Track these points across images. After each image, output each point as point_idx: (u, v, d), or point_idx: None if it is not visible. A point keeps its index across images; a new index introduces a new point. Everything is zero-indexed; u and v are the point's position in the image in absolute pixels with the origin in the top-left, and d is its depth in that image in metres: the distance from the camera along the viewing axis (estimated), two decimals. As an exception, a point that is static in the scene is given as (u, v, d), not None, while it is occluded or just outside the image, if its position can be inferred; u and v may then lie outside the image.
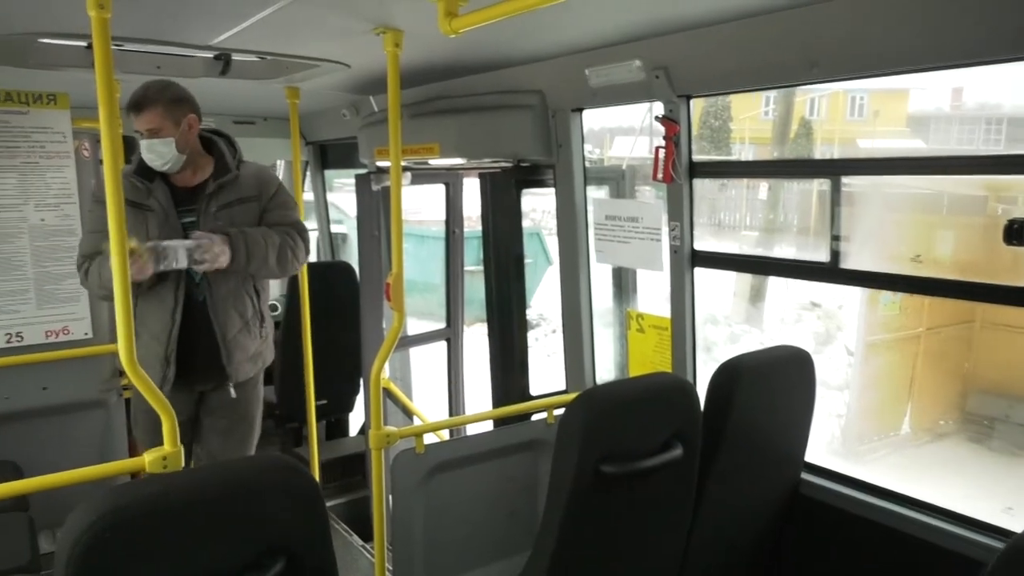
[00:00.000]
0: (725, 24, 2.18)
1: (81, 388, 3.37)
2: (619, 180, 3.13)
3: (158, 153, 2.71)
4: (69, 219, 3.36)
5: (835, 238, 2.18)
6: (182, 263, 2.62)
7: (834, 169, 2.21)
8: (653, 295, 3.16)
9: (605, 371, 3.14)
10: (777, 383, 2.17)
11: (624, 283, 3.18)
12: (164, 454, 2.03)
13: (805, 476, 2.38)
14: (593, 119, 2.85)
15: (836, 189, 2.13)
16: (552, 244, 11.76)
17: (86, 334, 3.41)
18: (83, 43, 2.56)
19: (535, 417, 2.97)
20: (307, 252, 2.92)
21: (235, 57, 2.89)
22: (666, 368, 2.60)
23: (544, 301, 10.60)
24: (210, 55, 2.85)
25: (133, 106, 2.68)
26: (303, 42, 2.61)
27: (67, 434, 3.41)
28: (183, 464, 2.08)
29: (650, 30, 2.33)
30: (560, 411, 2.84)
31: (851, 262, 2.17)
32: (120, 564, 1.14)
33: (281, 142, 4.48)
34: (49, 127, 3.30)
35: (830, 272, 2.17)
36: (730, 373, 2.07)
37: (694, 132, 2.46)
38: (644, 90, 2.43)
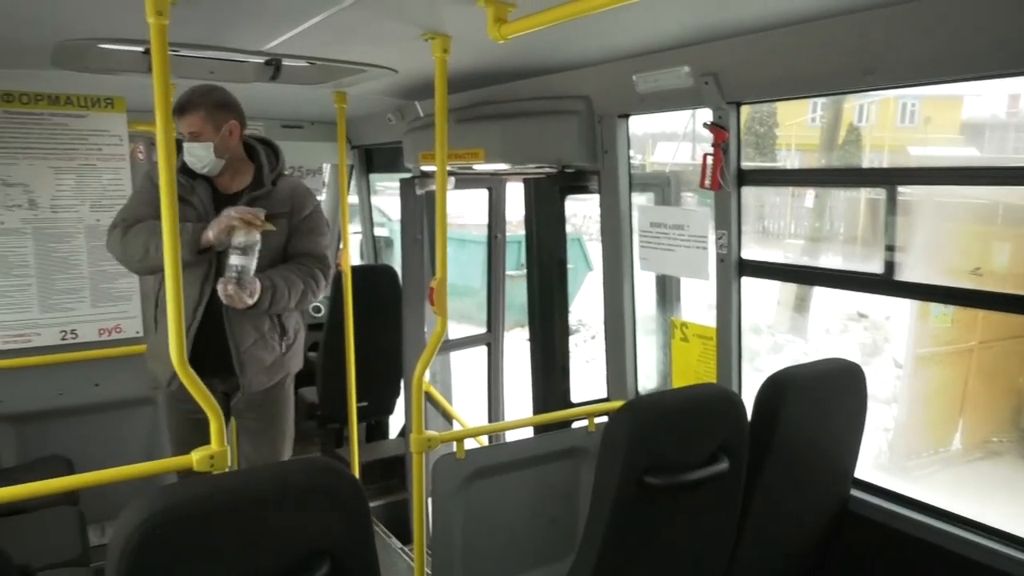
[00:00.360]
0: (777, 30, 2.14)
1: (131, 385, 3.45)
2: (664, 187, 3.09)
3: (197, 156, 2.74)
4: (123, 221, 3.45)
5: (889, 248, 2.12)
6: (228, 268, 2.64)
7: (891, 178, 2.15)
8: (693, 303, 3.12)
9: (647, 379, 3.11)
10: (827, 396, 2.12)
11: (668, 291, 3.14)
12: (211, 453, 2.07)
13: (854, 492, 2.32)
14: (635, 124, 2.82)
15: (892, 199, 2.08)
16: (593, 250, 11.71)
17: (137, 332, 3.49)
18: (140, 48, 2.63)
19: (576, 424, 2.96)
20: (327, 285, 2.93)
21: (285, 62, 2.93)
22: (710, 379, 2.56)
23: (584, 307, 10.56)
24: (261, 60, 2.90)
25: (178, 109, 2.72)
26: (352, 48, 2.63)
27: (116, 430, 3.50)
28: (228, 464, 2.11)
29: (700, 36, 2.30)
30: (601, 419, 2.83)
31: (906, 274, 2.11)
32: (169, 562, 1.15)
33: (327, 146, 4.54)
34: (106, 130, 3.40)
35: (885, 284, 2.10)
36: (779, 385, 2.02)
37: (739, 138, 2.42)
38: (693, 96, 2.40)
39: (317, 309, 5.15)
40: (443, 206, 2.45)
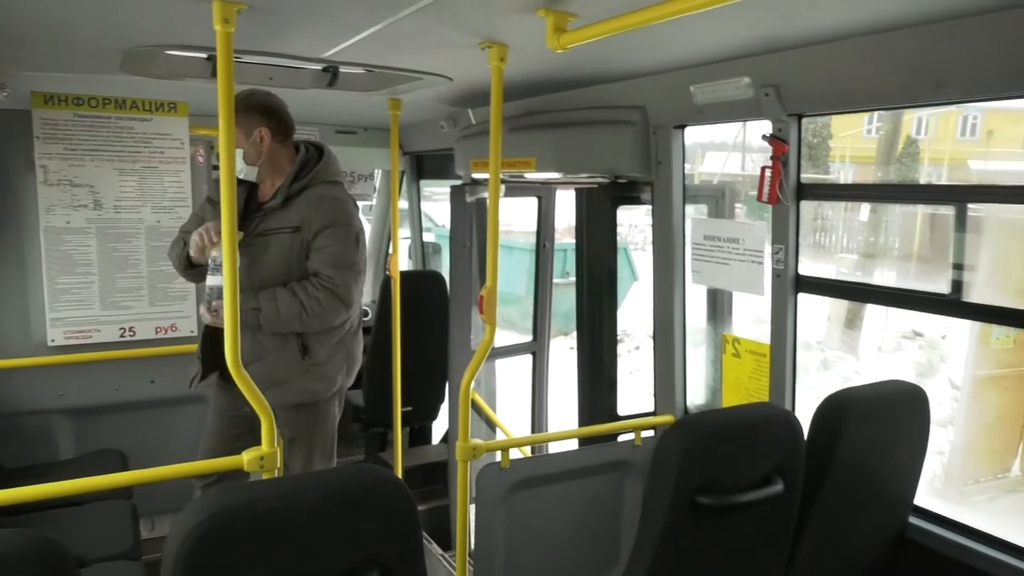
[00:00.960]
0: (843, 41, 2.09)
1: (184, 383, 3.52)
2: (718, 199, 3.04)
3: (238, 165, 2.69)
4: (182, 221, 3.53)
5: (957, 267, 2.04)
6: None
7: (961, 195, 2.07)
8: (738, 316, 3.06)
9: (695, 394, 3.05)
10: (888, 420, 2.05)
11: (719, 305, 3.08)
12: (261, 454, 2.10)
13: (913, 520, 2.24)
14: (686, 134, 2.78)
15: (961, 217, 2.00)
16: (638, 259, 11.60)
17: (192, 331, 3.57)
18: (203, 54, 2.69)
19: (622, 438, 2.92)
20: (340, 306, 2.72)
21: (342, 69, 2.97)
22: (762, 396, 2.50)
23: (628, 317, 10.47)
24: (319, 67, 2.94)
25: None
26: (408, 55, 2.65)
27: (169, 426, 3.58)
28: (277, 465, 2.13)
29: (761, 47, 2.26)
30: (648, 433, 2.79)
31: (973, 294, 2.03)
32: (223, 564, 1.17)
33: (380, 151, 4.59)
34: (168, 134, 3.49)
35: (952, 305, 2.02)
36: (838, 406, 1.96)
37: (788, 148, 2.35)
38: (752, 108, 2.36)
39: (365, 313, 5.21)
40: (495, 215, 2.45)
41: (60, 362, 3.39)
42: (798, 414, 2.32)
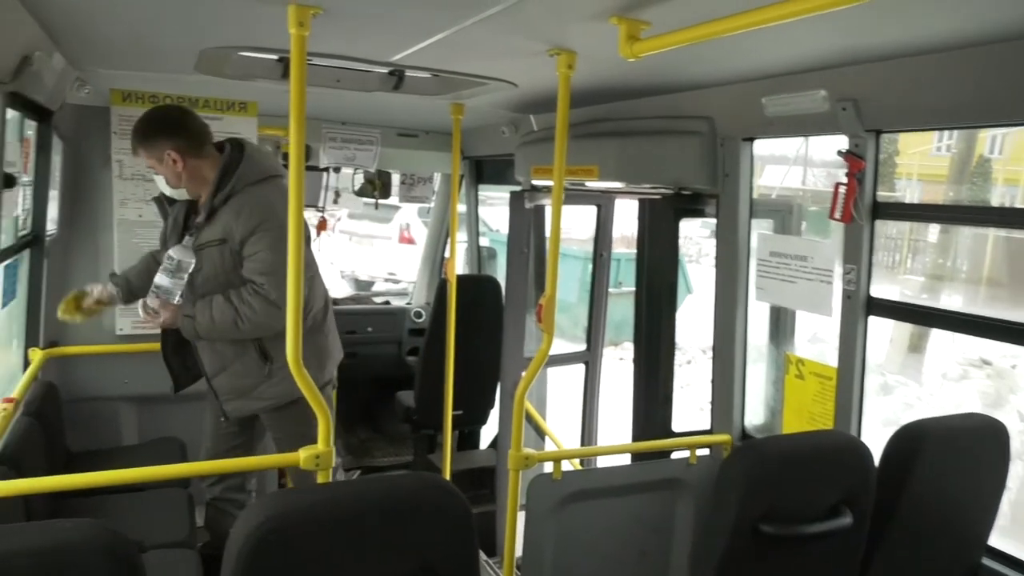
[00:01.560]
0: (926, 56, 2.00)
1: None
2: (785, 214, 2.95)
3: (162, 187, 2.78)
4: (249, 219, 3.60)
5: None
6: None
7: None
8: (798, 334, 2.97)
9: (754, 414, 2.97)
10: (965, 455, 1.94)
11: (782, 323, 3.00)
12: (317, 452, 2.11)
13: (986, 561, 2.12)
14: (753, 147, 2.72)
15: (1052, 243, 1.89)
16: (693, 272, 11.42)
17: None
18: (274, 56, 2.74)
19: (676, 455, 2.86)
20: (276, 315, 2.57)
21: (408, 73, 2.99)
22: (827, 421, 2.41)
23: (680, 330, 10.30)
24: (386, 71, 2.96)
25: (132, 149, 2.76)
26: (474, 61, 2.65)
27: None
28: (332, 463, 2.15)
29: (839, 59, 2.18)
30: (703, 452, 2.73)
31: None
32: (281, 566, 1.17)
33: (440, 155, 4.61)
34: (238, 133, 3.56)
35: (1037, 336, 1.92)
36: (912, 438, 1.87)
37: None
38: (828, 122, 2.28)
39: (418, 315, 5.24)
40: (558, 223, 2.43)
41: (127, 351, 3.49)
42: (863, 439, 2.24)
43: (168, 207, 2.85)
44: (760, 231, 2.75)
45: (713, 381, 2.86)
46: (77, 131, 3.44)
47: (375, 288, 12.98)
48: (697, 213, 3.10)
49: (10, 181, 2.44)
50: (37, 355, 3.13)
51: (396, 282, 10.87)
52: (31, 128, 3.05)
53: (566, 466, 2.70)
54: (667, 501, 2.65)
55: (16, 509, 2.26)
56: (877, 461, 1.92)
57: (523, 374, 2.51)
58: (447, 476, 3.95)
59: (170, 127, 2.70)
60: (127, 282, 2.98)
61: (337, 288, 10.78)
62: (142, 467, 2.39)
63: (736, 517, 1.64)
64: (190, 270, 2.68)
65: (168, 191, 2.77)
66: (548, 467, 2.53)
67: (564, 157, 2.39)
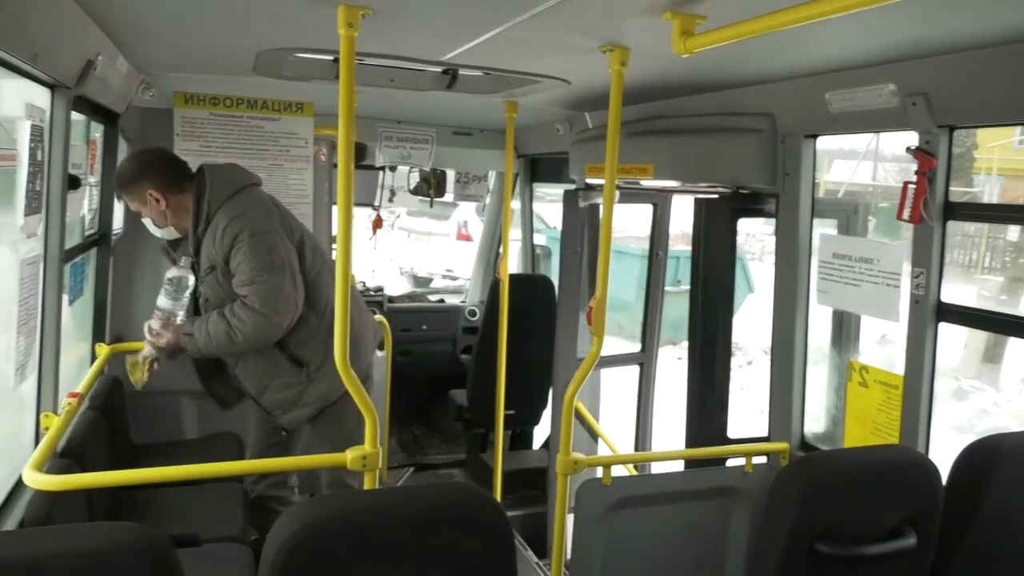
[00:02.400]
0: (1002, 47, 1.88)
1: None
2: (850, 214, 2.82)
3: (153, 231, 2.83)
4: (303, 218, 3.66)
5: None
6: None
7: None
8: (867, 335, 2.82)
9: (815, 420, 2.86)
10: None
11: (845, 327, 2.87)
12: (363, 453, 2.12)
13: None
14: (816, 144, 2.60)
15: None
16: (755, 270, 11.14)
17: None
18: (329, 57, 2.76)
19: (731, 463, 2.77)
20: (265, 322, 2.63)
21: (461, 72, 2.98)
22: (892, 432, 2.29)
23: (741, 330, 10.07)
24: (438, 69, 2.96)
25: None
26: (527, 59, 2.62)
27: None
28: (379, 464, 2.15)
29: (909, 52, 2.07)
30: (760, 459, 2.63)
31: None
32: (317, 573, 1.16)
33: (494, 153, 4.59)
34: (294, 133, 3.63)
35: None
36: (987, 454, 1.75)
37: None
38: (896, 118, 2.16)
39: (472, 313, 5.25)
40: (609, 222, 2.38)
41: None
42: (931, 453, 2.12)
43: (173, 252, 2.89)
44: (822, 232, 2.64)
45: (771, 387, 2.76)
46: (141, 133, 3.55)
47: (433, 285, 13.13)
48: (756, 213, 2.99)
49: (75, 182, 2.52)
50: (103, 350, 3.23)
51: (454, 279, 10.94)
52: (98, 131, 3.15)
53: (618, 471, 2.65)
54: (722, 510, 2.58)
55: (79, 501, 2.34)
56: (946, 476, 1.81)
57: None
58: (498, 476, 3.94)
59: (147, 167, 2.74)
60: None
61: (396, 284, 10.92)
62: (194, 464, 2.45)
63: (790, 535, 1.56)
64: (190, 288, 2.74)
65: (158, 233, 2.82)
66: (599, 471, 2.49)
67: (616, 155, 2.34)
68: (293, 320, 2.70)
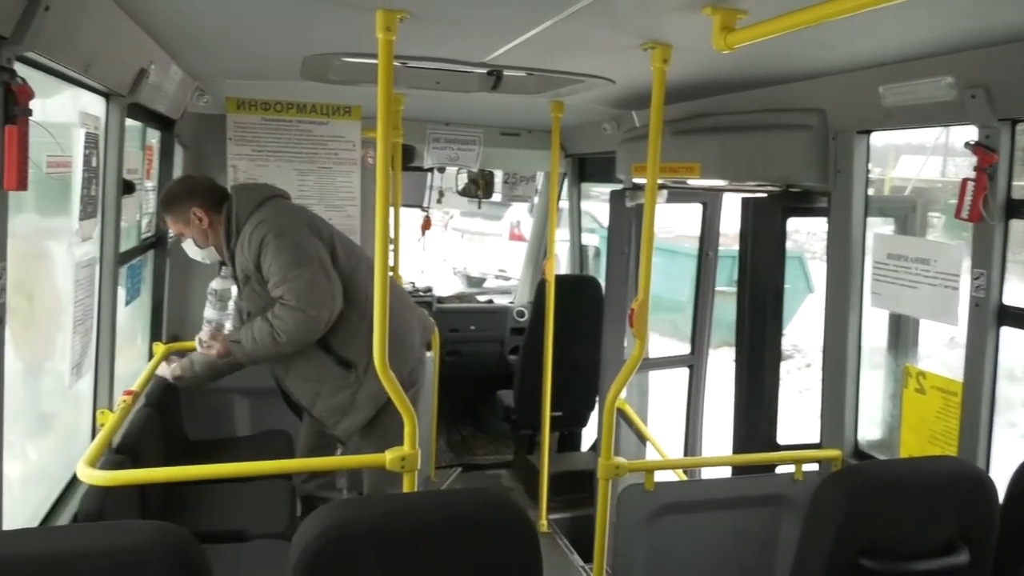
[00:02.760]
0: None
1: None
2: (908, 213, 2.71)
3: (192, 252, 2.88)
4: (351, 220, 3.72)
5: None
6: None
7: None
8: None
9: (871, 425, 2.75)
10: None
11: (903, 331, 2.75)
12: (403, 455, 2.13)
13: None
14: (876, 134, 2.49)
15: None
16: (815, 269, 10.82)
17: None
18: (374, 61, 2.78)
19: (780, 470, 2.70)
20: (303, 318, 2.65)
21: (506, 73, 2.97)
22: (950, 441, 2.19)
23: (800, 331, 9.79)
24: (484, 71, 2.96)
25: (160, 221, 2.85)
26: (570, 58, 2.60)
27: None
28: (417, 466, 2.16)
29: (967, 42, 1.97)
30: (811, 467, 2.55)
31: None
32: (340, 575, 1.17)
33: (542, 154, 4.58)
34: (342, 136, 3.68)
35: None
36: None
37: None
38: (954, 111, 2.06)
39: (520, 313, 5.24)
40: (651, 223, 2.34)
41: None
42: (994, 464, 2.01)
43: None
44: (876, 231, 2.54)
45: (823, 392, 2.67)
46: (196, 138, 3.66)
47: (486, 285, 13.18)
48: (806, 212, 2.90)
49: (129, 187, 2.61)
50: (160, 349, 3.34)
51: (507, 279, 10.97)
52: (154, 137, 3.26)
53: (664, 476, 2.60)
54: (771, 518, 2.51)
55: (132, 495, 2.42)
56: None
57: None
58: (544, 478, 3.92)
59: (192, 188, 2.85)
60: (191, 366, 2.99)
61: (449, 284, 11.01)
62: (245, 461, 2.50)
63: (832, 549, 1.50)
64: (232, 298, 2.81)
65: (199, 255, 2.87)
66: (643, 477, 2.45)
67: (658, 154, 2.30)
68: (333, 315, 2.70)
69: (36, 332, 2.24)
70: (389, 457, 2.13)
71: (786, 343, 10.30)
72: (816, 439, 2.72)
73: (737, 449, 2.98)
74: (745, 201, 2.97)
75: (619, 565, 2.46)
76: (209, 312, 2.83)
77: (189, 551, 1.08)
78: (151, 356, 3.35)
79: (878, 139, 2.51)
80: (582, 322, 4.18)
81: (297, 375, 2.88)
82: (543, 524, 3.95)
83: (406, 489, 2.15)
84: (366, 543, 1.17)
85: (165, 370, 2.97)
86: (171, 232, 2.87)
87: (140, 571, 1.03)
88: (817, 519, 1.56)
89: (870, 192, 2.56)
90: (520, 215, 13.14)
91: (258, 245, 2.69)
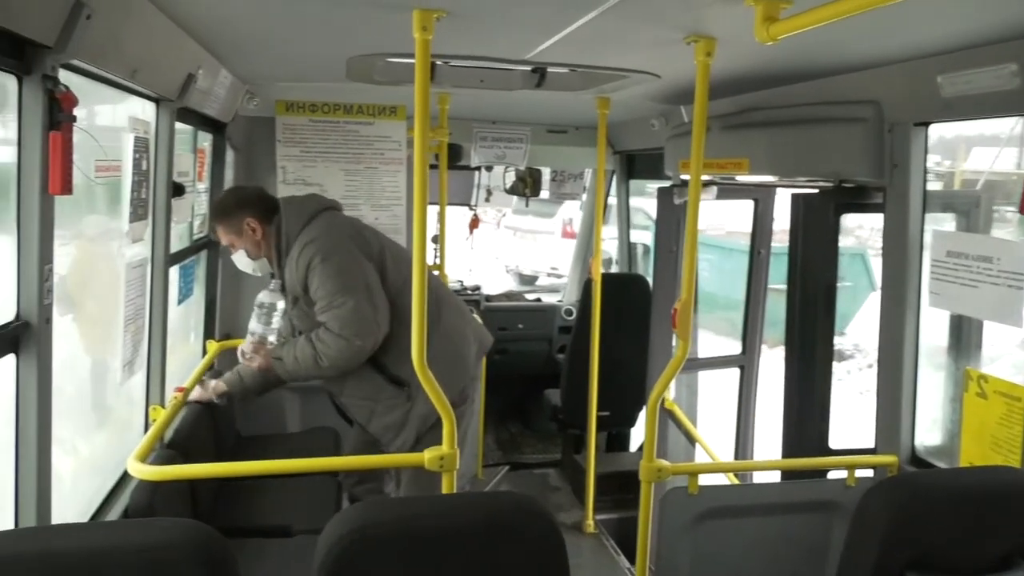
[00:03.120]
0: None
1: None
2: (971, 208, 2.58)
3: (242, 264, 2.82)
4: (397, 219, 3.75)
5: None
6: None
7: None
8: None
9: (930, 430, 2.64)
10: None
11: (965, 332, 2.62)
12: (441, 454, 2.13)
13: None
14: (943, 127, 2.37)
15: None
16: (878, 266, 10.45)
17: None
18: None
19: (832, 475, 2.60)
20: (345, 344, 2.60)
21: (550, 70, 2.95)
22: (1013, 448, 2.07)
23: (862, 330, 9.48)
24: (527, 68, 2.94)
25: (211, 232, 2.79)
26: (613, 53, 2.56)
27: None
28: (456, 466, 2.15)
29: (1032, 27, 1.85)
30: (864, 473, 2.45)
31: None
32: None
33: (589, 151, 4.52)
34: (388, 136, 3.71)
35: None
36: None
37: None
38: (1018, 101, 1.95)
39: (569, 312, 5.20)
40: (694, 221, 2.28)
41: None
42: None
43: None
44: (934, 228, 2.42)
45: (878, 395, 2.56)
46: (246, 141, 3.74)
47: (539, 283, 13.16)
48: (860, 208, 2.79)
49: (179, 190, 2.68)
50: (213, 347, 3.43)
51: (559, 277, 10.95)
52: (205, 140, 3.34)
53: (714, 479, 2.54)
54: (822, 524, 2.42)
55: (183, 490, 2.48)
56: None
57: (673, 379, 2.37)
58: (591, 478, 3.88)
59: (246, 198, 2.80)
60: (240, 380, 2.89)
61: (501, 283, 11.03)
62: (287, 459, 2.54)
63: (877, 560, 1.43)
64: (279, 312, 2.75)
65: (248, 267, 2.83)
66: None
67: (702, 151, 2.24)
68: (377, 343, 2.66)
69: (103, 329, 2.31)
70: (428, 457, 2.13)
71: (847, 342, 10.02)
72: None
73: (787, 453, 2.89)
74: (795, 197, 2.88)
75: (662, 568, 2.41)
76: (254, 324, 2.77)
77: (215, 548, 1.10)
78: (204, 353, 3.44)
79: (945, 130, 2.41)
80: (630, 321, 4.12)
81: (351, 394, 2.83)
82: (589, 525, 3.92)
83: (444, 489, 2.15)
84: (390, 545, 1.17)
85: (200, 393, 2.83)
86: (223, 242, 2.84)
87: (166, 568, 1.05)
88: (862, 529, 1.49)
89: (937, 186, 2.45)
90: (573, 212, 13.07)
91: (305, 268, 2.66)
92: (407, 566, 1.18)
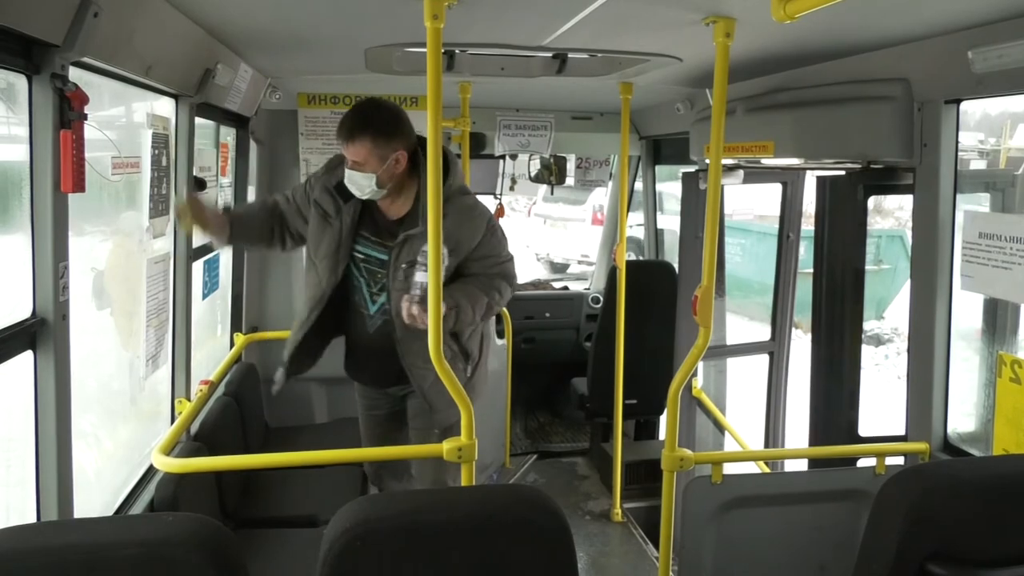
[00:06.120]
0: None
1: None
2: (1006, 188, 2.49)
3: (358, 185, 2.47)
4: (421, 209, 3.73)
5: None
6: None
7: None
8: None
9: (963, 416, 2.56)
10: None
11: (999, 316, 2.54)
12: (459, 445, 2.12)
13: None
14: (988, 101, 2.28)
15: None
16: (919, 250, 10.18)
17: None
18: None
19: (862, 463, 2.55)
20: (513, 291, 2.68)
21: (570, 56, 2.91)
22: (1051, 436, 2.00)
23: (901, 314, 9.28)
24: (547, 55, 2.90)
25: (345, 133, 2.44)
26: (632, 37, 2.51)
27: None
28: (474, 456, 2.15)
29: (1067, -4, 1.77)
30: (895, 460, 2.39)
31: None
32: (367, 572, 1.17)
33: (614, 137, 4.46)
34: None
35: None
36: None
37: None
38: (1052, 75, 1.87)
39: (596, 300, 5.17)
40: (715, 206, 2.23)
41: None
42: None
43: (343, 203, 2.55)
44: (966, 208, 2.34)
45: (909, 381, 2.50)
46: (269, 134, 3.76)
47: (569, 271, 13.11)
48: (889, 189, 2.71)
49: (201, 184, 2.70)
50: (240, 339, 3.47)
51: (590, 264, 10.89)
52: (229, 134, 3.37)
53: (742, 467, 2.50)
54: (851, 513, 2.37)
55: (208, 481, 2.52)
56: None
57: (697, 366, 2.33)
58: (617, 467, 3.86)
59: (408, 127, 2.53)
60: (238, 218, 2.65)
61: (530, 271, 11.00)
62: (309, 450, 2.56)
63: (897, 551, 1.38)
64: (446, 261, 2.40)
65: (367, 192, 2.48)
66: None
67: (722, 134, 2.19)
68: None
69: (138, 323, 2.33)
70: (446, 447, 2.13)
71: (885, 326, 9.80)
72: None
73: (814, 441, 2.83)
74: (821, 179, 2.81)
75: (686, 558, 2.38)
76: (420, 275, 2.39)
77: (222, 543, 1.11)
78: (232, 346, 3.48)
79: (989, 106, 2.32)
80: (657, 308, 4.08)
81: (424, 355, 2.36)
82: (616, 513, 3.90)
83: (464, 481, 2.15)
84: (393, 539, 1.17)
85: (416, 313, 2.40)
86: (352, 157, 2.45)
87: (172, 562, 1.06)
88: (880, 520, 1.44)
89: (981, 165, 2.37)
90: (603, 200, 12.99)
91: (484, 225, 2.58)
92: (411, 561, 1.18)
